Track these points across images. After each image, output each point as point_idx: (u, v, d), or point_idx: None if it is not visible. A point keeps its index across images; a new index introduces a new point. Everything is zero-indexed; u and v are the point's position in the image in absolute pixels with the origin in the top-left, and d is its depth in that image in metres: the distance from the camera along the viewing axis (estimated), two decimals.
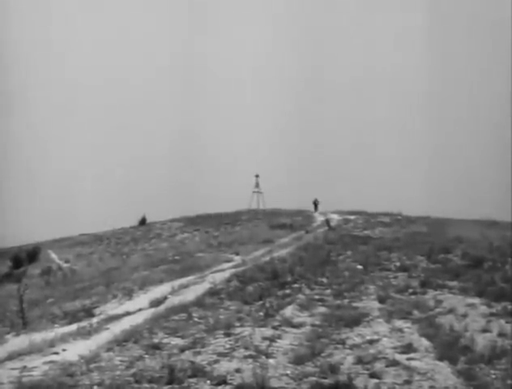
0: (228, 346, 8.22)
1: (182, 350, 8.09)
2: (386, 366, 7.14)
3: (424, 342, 8.10)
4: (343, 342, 8.29)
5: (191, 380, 6.82)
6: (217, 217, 38.10)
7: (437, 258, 15.39)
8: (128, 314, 11.80)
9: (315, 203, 38.51)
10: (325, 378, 6.79)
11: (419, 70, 62.14)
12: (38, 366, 7.76)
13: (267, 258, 17.33)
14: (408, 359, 7.40)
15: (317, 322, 9.55)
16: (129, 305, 12.96)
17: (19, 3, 71.81)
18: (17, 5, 71.49)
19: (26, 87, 71.30)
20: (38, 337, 9.87)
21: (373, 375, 6.85)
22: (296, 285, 12.79)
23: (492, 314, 9.58)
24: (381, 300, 11.01)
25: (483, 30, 67.49)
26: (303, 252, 18.21)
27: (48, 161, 65.73)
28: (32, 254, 31.31)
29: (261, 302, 11.17)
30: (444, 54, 71.35)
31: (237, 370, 7.07)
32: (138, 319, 10.76)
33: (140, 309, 12.11)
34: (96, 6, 79.61)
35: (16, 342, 10.09)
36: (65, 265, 28.17)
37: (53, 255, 31.96)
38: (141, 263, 23.02)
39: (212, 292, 12.55)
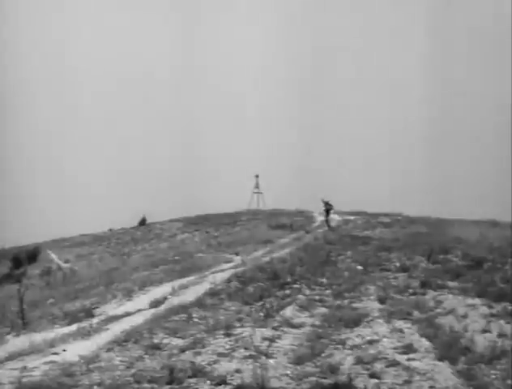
0: (228, 346, 8.23)
1: (182, 350, 8.10)
2: (386, 366, 7.15)
3: (425, 342, 8.10)
4: (343, 342, 8.30)
5: (191, 380, 6.83)
6: (217, 217, 38.11)
7: (437, 259, 15.39)
8: (128, 314, 11.80)
9: (327, 209, 28.07)
10: (325, 378, 6.81)
11: (419, 72, 62.19)
12: (38, 367, 7.76)
13: (267, 259, 17.33)
14: (408, 359, 7.41)
15: (317, 323, 9.55)
16: (129, 306, 12.95)
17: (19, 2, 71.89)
18: (17, 3, 71.58)
19: (26, 88, 71.38)
20: (38, 337, 9.87)
21: (373, 375, 6.86)
22: (296, 286, 12.80)
23: (492, 315, 9.58)
24: (382, 300, 11.01)
25: (483, 30, 67.58)
26: (303, 252, 18.21)
27: (48, 162, 65.75)
28: (31, 255, 31.33)
29: (261, 303, 11.17)
30: (444, 55, 71.42)
31: (237, 371, 7.08)
32: (138, 320, 10.77)
33: (140, 310, 12.11)
34: (94, 16, 79.71)
35: (16, 342, 10.10)
36: (65, 265, 28.14)
37: (53, 256, 31.92)
38: (141, 264, 23.01)
39: (212, 293, 12.55)
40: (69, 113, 72.45)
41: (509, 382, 6.55)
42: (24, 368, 7.71)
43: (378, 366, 7.14)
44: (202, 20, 78.39)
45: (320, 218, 31.89)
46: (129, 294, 14.82)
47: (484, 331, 8.70)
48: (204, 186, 52.66)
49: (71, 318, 12.35)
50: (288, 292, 12.20)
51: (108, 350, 8.40)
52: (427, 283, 12.31)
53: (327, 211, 28.38)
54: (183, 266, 19.26)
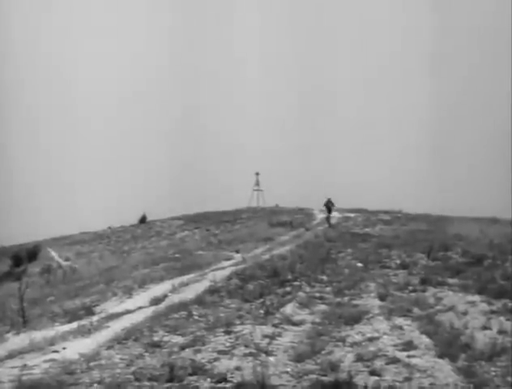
0: (228, 344, 8.23)
1: (182, 348, 8.10)
2: (387, 364, 7.13)
3: (425, 339, 8.09)
4: (343, 340, 8.29)
5: (191, 378, 6.82)
6: (217, 215, 38.18)
7: (437, 256, 15.39)
8: (128, 312, 11.79)
9: (328, 206, 28.20)
10: (325, 375, 6.80)
11: (420, 71, 62.18)
12: (38, 365, 7.76)
13: (267, 256, 17.34)
14: (408, 356, 7.40)
15: (317, 320, 9.55)
16: (129, 304, 12.95)
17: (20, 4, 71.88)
18: (17, 6, 71.59)
19: (25, 87, 71.36)
20: (38, 335, 9.87)
21: (373, 373, 6.85)
22: (296, 283, 12.80)
23: (492, 312, 9.58)
24: (382, 297, 11.01)
25: (484, 30, 67.48)
26: (303, 250, 18.22)
27: (48, 161, 65.79)
28: (32, 253, 31.36)
29: (261, 300, 11.17)
30: (445, 53, 71.33)
31: (237, 368, 7.07)
32: (138, 317, 10.77)
33: (140, 308, 12.11)
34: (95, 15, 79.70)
35: (16, 340, 10.08)
36: (65, 263, 28.17)
37: (53, 253, 31.95)
38: (141, 261, 23.02)
39: (212, 290, 12.55)
40: (69, 113, 72.44)
41: (509, 379, 6.54)
42: (24, 366, 7.70)
43: (378, 363, 7.13)
44: (202, 18, 78.29)
45: (320, 215, 31.91)
46: (129, 292, 14.82)
47: (485, 327, 8.69)
48: (204, 184, 52.69)
49: (71, 315, 12.35)
50: (288, 289, 12.20)
51: (109, 348, 8.40)
52: (427, 280, 12.31)
53: (329, 209, 28.18)
54: (183, 263, 19.27)
